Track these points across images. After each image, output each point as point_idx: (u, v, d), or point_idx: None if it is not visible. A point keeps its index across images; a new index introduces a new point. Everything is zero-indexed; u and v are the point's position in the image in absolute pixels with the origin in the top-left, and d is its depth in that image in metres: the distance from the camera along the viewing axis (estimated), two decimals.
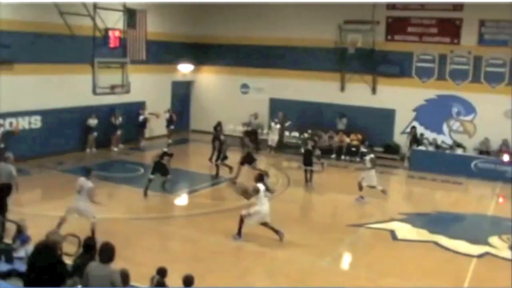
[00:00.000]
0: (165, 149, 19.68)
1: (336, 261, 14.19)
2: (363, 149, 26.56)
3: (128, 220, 16.31)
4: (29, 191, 19.25)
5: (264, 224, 14.70)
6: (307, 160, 21.01)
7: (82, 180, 14.12)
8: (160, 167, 19.02)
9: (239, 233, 14.67)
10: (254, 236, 15.15)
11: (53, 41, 22.68)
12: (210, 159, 23.18)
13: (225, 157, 21.89)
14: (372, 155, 20.07)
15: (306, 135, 27.20)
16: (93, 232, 13.50)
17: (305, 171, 21.06)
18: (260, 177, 15.43)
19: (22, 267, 9.55)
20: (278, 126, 27.79)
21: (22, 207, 16.74)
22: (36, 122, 23.02)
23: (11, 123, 22.03)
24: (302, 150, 22.43)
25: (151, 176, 18.87)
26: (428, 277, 13.02)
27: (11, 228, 11.33)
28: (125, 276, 8.76)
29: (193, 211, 17.95)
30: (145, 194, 18.50)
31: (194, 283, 9.34)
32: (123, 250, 12.63)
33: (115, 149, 25.91)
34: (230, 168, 21.54)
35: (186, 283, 9.25)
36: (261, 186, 15.01)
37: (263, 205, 14.71)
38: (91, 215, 13.91)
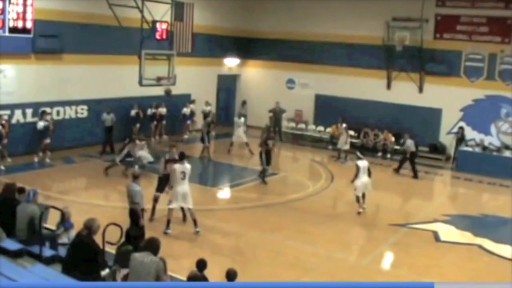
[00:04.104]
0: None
1: (377, 260, 14.04)
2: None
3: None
4: (73, 179, 19.63)
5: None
6: None
7: (181, 166, 14.38)
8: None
9: None
10: (298, 233, 15.15)
11: (101, 32, 23.01)
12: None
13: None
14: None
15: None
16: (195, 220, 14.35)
17: None
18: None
19: (64, 253, 9.71)
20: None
21: (67, 194, 17.05)
22: (82, 111, 23.36)
23: (58, 112, 22.43)
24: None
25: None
26: (471, 280, 12.76)
27: (55, 215, 11.47)
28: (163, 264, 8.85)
29: (235, 204, 17.98)
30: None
31: (237, 277, 9.29)
32: (164, 241, 12.74)
33: (157, 137, 26.21)
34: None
35: (230, 277, 9.21)
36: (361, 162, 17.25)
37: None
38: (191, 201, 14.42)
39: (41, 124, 20.55)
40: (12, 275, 8.29)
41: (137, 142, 20.41)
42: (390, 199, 19.93)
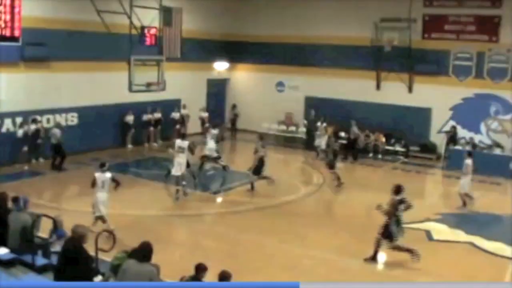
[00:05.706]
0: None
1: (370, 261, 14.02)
2: (399, 148, 26.43)
3: (161, 217, 16.39)
4: (66, 187, 19.55)
5: None
6: None
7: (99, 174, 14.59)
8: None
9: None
10: (291, 236, 15.14)
11: (89, 38, 22.92)
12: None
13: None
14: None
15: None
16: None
17: None
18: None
19: None
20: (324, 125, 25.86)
21: (59, 202, 16.99)
22: (73, 118, 23.30)
23: (48, 120, 22.35)
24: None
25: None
26: (464, 278, 12.77)
27: (48, 224, 11.43)
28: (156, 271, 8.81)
29: (226, 209, 17.96)
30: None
31: (231, 279, 9.24)
32: (156, 246, 12.69)
33: (155, 144, 26.57)
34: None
35: (222, 279, 9.15)
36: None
37: None
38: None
39: (20, 132, 20.77)
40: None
41: (211, 130, 21.21)
42: (382, 199, 19.88)
